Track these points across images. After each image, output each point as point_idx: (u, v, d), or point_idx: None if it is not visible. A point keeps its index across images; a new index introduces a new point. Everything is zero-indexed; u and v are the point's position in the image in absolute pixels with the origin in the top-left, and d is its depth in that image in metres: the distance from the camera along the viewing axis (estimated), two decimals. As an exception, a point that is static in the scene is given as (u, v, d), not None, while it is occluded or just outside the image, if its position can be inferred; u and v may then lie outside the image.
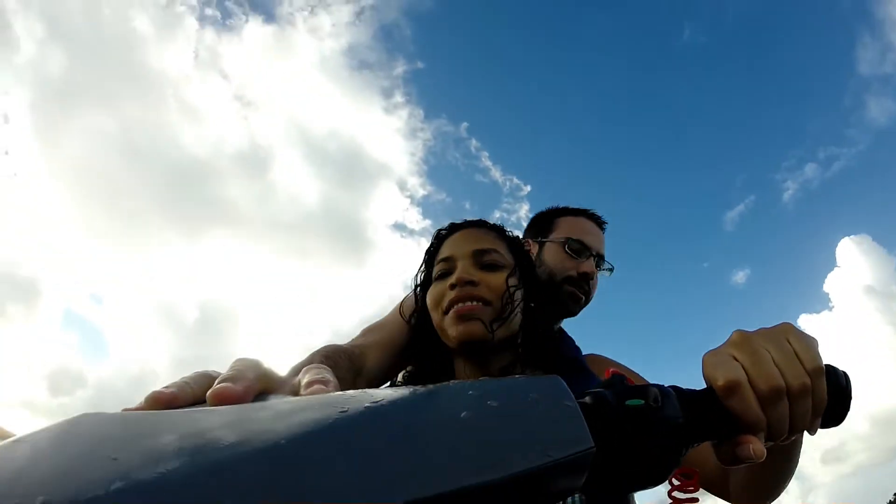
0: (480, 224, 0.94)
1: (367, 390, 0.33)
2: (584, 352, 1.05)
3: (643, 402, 0.36)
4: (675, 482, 0.44)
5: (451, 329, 0.82)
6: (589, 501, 0.72)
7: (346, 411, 0.28)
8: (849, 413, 0.43)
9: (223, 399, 0.28)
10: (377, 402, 0.30)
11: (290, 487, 0.23)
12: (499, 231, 0.94)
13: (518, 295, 0.85)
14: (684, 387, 0.40)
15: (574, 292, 1.13)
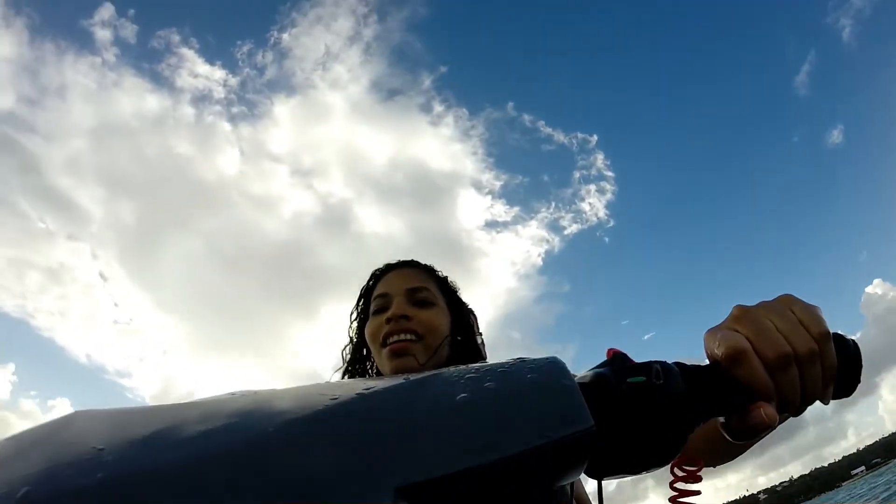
0: (413, 264, 1.04)
1: (361, 379, 0.32)
2: None
3: (645, 378, 0.35)
4: (678, 472, 0.43)
5: (386, 363, 0.90)
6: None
7: (336, 398, 0.28)
8: (860, 382, 0.41)
9: None
10: (370, 388, 0.29)
11: (278, 476, 0.23)
12: (429, 271, 1.04)
13: (446, 330, 0.95)
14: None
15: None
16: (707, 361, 0.40)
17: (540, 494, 0.30)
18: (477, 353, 1.02)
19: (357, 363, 1.01)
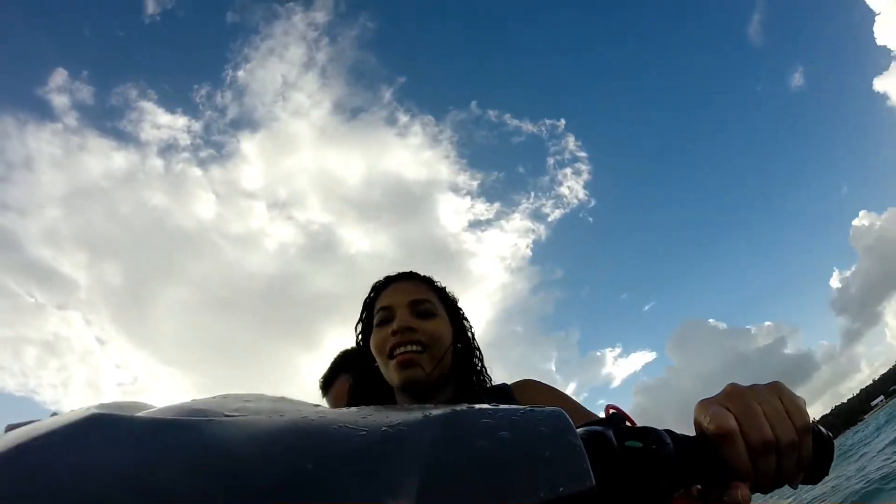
0: (413, 276, 1.08)
1: (384, 408, 0.33)
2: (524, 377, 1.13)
3: (642, 444, 0.37)
4: None
5: (394, 374, 0.94)
6: None
7: (363, 433, 0.28)
8: (828, 475, 0.45)
9: None
10: (394, 424, 0.30)
11: (296, 501, 0.23)
12: (429, 282, 1.08)
13: (449, 339, 0.99)
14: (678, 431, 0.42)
15: None
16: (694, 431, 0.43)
17: None
18: (476, 359, 1.06)
19: (365, 373, 1.02)
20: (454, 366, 0.99)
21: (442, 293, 1.08)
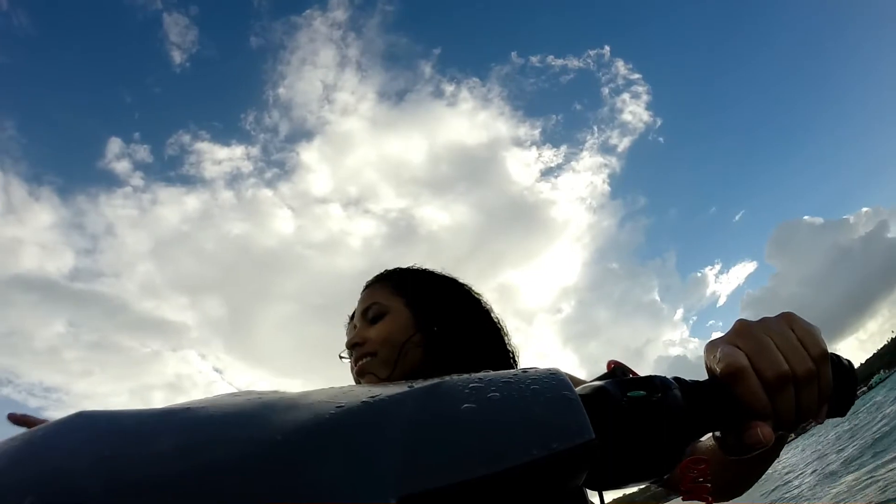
0: (373, 280, 1.03)
1: (366, 385, 0.32)
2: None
3: (645, 393, 0.35)
4: (687, 471, 0.43)
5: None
6: None
7: (342, 406, 0.28)
8: (853, 403, 0.42)
9: None
10: (375, 396, 0.29)
11: (283, 484, 0.23)
12: (383, 278, 1.02)
13: (399, 334, 0.92)
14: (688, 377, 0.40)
15: None
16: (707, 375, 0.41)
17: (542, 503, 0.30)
18: (463, 337, 0.92)
19: None
20: (428, 354, 0.90)
21: (401, 281, 0.99)
